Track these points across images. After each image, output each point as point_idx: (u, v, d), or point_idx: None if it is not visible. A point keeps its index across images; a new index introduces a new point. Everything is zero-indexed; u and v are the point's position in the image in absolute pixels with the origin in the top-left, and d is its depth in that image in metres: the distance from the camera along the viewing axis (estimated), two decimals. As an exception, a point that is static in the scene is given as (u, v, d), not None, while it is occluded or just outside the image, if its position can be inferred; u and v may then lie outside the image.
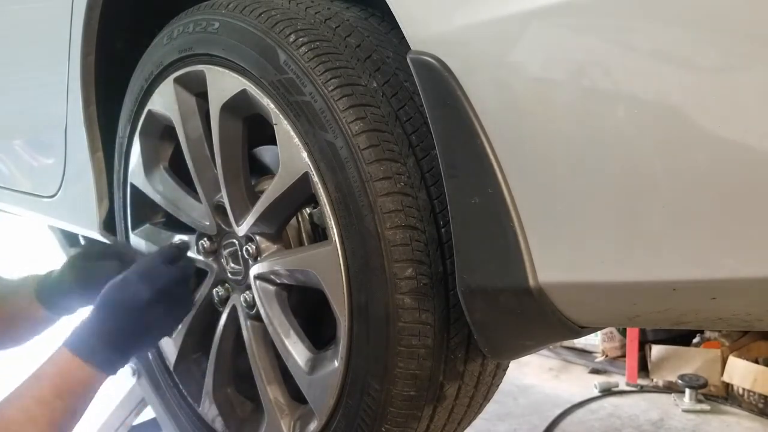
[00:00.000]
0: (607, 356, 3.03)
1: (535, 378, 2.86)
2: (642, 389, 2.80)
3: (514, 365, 2.62)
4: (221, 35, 1.07)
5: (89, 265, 1.15)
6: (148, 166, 1.35)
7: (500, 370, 1.12)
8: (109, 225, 1.57)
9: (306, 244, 1.14)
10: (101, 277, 1.09)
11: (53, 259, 2.53)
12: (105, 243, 1.17)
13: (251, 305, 1.17)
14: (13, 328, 1.13)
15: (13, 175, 2.03)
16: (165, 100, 1.24)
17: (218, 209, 1.21)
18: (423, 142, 0.92)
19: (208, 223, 1.24)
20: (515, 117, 0.76)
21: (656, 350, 2.86)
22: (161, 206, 1.34)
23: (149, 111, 1.29)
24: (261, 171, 1.28)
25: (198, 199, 1.25)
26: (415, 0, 0.85)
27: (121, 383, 1.95)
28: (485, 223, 0.81)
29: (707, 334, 2.87)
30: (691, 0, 0.64)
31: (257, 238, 1.14)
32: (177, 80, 1.20)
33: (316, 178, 0.96)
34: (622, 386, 2.81)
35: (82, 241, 2.20)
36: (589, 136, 0.71)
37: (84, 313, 1.04)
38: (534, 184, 0.77)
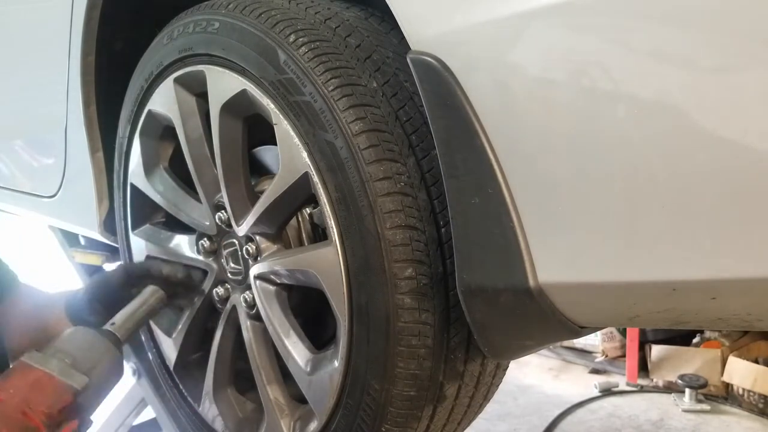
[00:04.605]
0: (607, 356, 3.03)
1: (535, 378, 2.86)
2: (642, 389, 2.80)
3: (514, 365, 2.63)
4: (221, 35, 1.07)
5: (112, 289, 1.22)
6: (148, 166, 1.35)
7: (500, 370, 1.12)
8: (109, 225, 1.57)
9: (306, 244, 1.14)
10: (122, 300, 1.19)
11: (53, 259, 2.53)
12: (124, 271, 1.25)
13: (251, 305, 1.17)
14: (43, 340, 1.17)
15: (14, 175, 2.03)
16: (165, 101, 1.24)
17: (218, 209, 1.21)
18: (423, 142, 0.92)
19: (208, 223, 1.24)
20: (515, 117, 0.76)
21: (656, 350, 2.86)
22: (161, 206, 1.35)
23: (149, 111, 1.29)
24: (261, 171, 1.28)
25: (198, 199, 1.25)
26: (415, 0, 0.85)
27: (121, 383, 1.95)
28: (485, 223, 0.81)
29: (707, 334, 2.87)
30: (690, 0, 0.64)
31: (257, 238, 1.14)
32: (177, 80, 1.20)
33: (316, 178, 0.96)
34: (622, 386, 2.81)
35: (82, 242, 2.20)
36: (589, 136, 0.71)
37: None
38: (534, 185, 0.77)
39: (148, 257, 1.37)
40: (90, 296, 1.20)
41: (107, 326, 1.11)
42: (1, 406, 0.92)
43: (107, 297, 1.21)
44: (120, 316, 1.12)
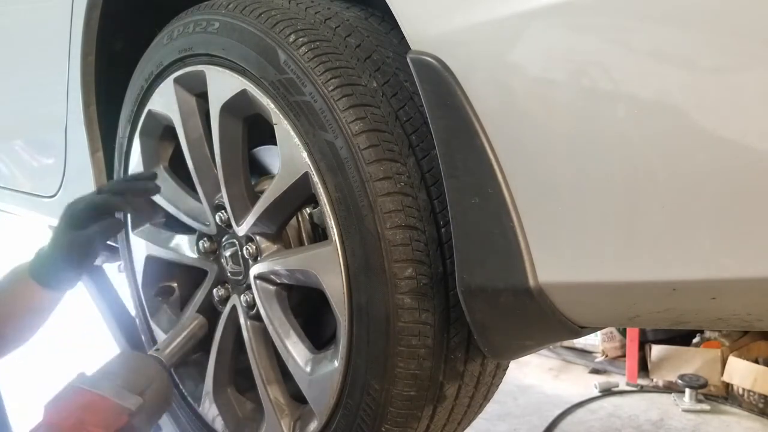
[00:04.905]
0: (607, 356, 3.03)
1: (535, 378, 2.86)
2: (642, 389, 2.80)
3: (514, 365, 2.63)
4: (221, 35, 1.07)
5: (76, 233, 1.12)
6: (148, 166, 1.35)
7: (500, 370, 1.12)
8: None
9: (306, 244, 1.14)
10: (91, 241, 1.12)
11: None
12: (85, 200, 1.13)
13: (251, 305, 1.17)
14: (19, 321, 1.12)
15: (14, 175, 2.03)
16: (165, 100, 1.24)
17: (218, 209, 1.21)
18: (423, 142, 0.92)
19: (208, 224, 1.24)
20: (515, 117, 0.76)
21: (656, 350, 2.86)
22: (161, 206, 1.34)
23: (149, 111, 1.30)
24: (261, 171, 1.28)
25: (198, 199, 1.25)
26: (415, 0, 0.85)
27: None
28: (485, 223, 0.81)
29: (707, 334, 2.87)
30: (690, 0, 0.64)
31: (257, 238, 1.14)
32: (177, 80, 1.20)
33: (316, 178, 0.96)
34: (622, 386, 2.81)
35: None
36: (589, 136, 0.71)
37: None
38: (534, 184, 0.77)
39: (99, 190, 1.22)
40: (57, 251, 1.11)
41: (152, 352, 1.09)
42: (56, 429, 0.90)
43: (75, 246, 1.11)
44: (164, 342, 1.09)
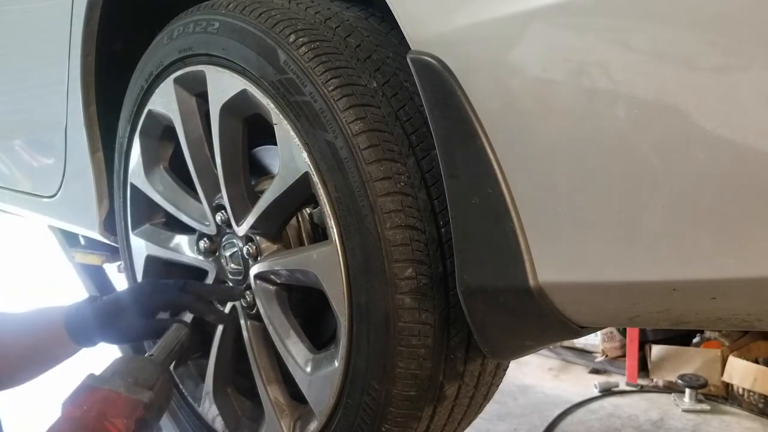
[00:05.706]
0: (607, 356, 3.02)
1: (535, 378, 2.86)
2: (642, 389, 2.80)
3: (514, 365, 2.63)
4: (221, 35, 1.07)
5: (137, 322, 1.14)
6: (148, 166, 1.35)
7: (500, 370, 1.12)
8: (109, 225, 1.57)
9: (306, 244, 1.14)
10: (145, 337, 1.19)
11: (53, 259, 2.53)
12: (167, 296, 1.16)
13: (251, 305, 1.17)
14: (37, 366, 1.14)
15: (14, 175, 2.03)
16: (165, 100, 1.24)
17: (218, 209, 1.21)
18: (423, 142, 0.92)
19: (208, 224, 1.24)
20: (515, 117, 0.76)
21: (656, 350, 2.86)
22: (161, 206, 1.35)
23: (149, 111, 1.30)
24: (261, 171, 1.28)
25: (198, 199, 1.25)
26: (415, 0, 0.85)
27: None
28: (485, 223, 0.81)
29: (707, 334, 2.87)
30: (690, 0, 0.64)
31: (257, 238, 1.14)
32: (177, 80, 1.20)
33: (316, 178, 0.96)
34: (622, 386, 2.81)
35: (82, 242, 2.20)
36: (589, 136, 0.71)
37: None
38: (534, 184, 0.77)
39: (185, 286, 1.20)
40: (106, 327, 1.12)
41: (146, 356, 1.11)
42: (79, 422, 0.93)
43: (127, 334, 1.14)
44: (157, 349, 1.12)
